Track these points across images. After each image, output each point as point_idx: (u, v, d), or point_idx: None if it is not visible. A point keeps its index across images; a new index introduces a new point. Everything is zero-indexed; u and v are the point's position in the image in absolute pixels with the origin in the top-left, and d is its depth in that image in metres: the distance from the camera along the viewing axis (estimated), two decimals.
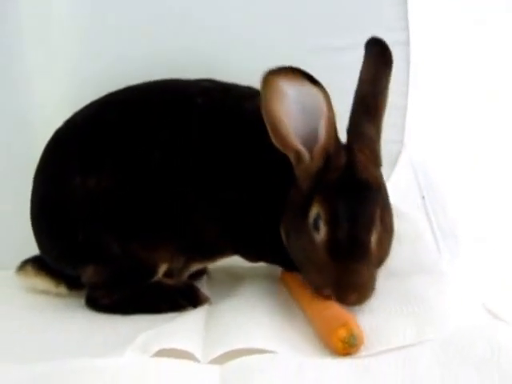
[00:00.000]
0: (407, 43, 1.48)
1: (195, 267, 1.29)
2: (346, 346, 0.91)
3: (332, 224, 1.01)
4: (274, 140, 1.06)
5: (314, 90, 1.00)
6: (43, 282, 1.29)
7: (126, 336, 1.01)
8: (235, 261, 1.30)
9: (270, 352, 0.92)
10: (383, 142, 1.19)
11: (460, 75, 1.53)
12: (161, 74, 1.27)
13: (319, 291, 1.03)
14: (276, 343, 0.95)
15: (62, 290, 1.28)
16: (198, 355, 0.92)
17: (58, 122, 1.27)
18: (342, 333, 0.91)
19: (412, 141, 1.26)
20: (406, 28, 1.48)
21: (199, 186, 1.16)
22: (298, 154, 1.08)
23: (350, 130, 1.12)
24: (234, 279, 1.30)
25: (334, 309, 1.00)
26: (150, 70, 1.35)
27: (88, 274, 1.20)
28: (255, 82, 1.04)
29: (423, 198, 1.46)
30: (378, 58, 1.16)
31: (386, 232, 1.07)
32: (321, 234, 1.02)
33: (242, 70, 1.23)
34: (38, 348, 1.04)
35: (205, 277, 1.39)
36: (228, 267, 1.39)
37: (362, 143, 1.10)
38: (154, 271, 1.20)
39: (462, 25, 1.52)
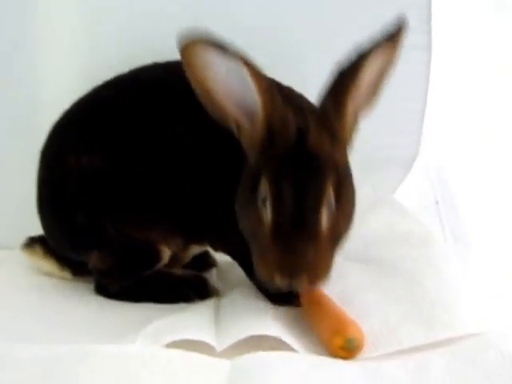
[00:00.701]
0: (428, 48, 1.47)
1: (196, 249, 1.28)
2: (346, 351, 0.92)
3: (277, 203, 0.94)
4: (209, 112, 1.00)
5: (234, 61, 0.94)
6: (48, 265, 1.30)
7: (137, 323, 1.02)
8: None
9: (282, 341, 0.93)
10: (400, 146, 1.20)
11: (479, 81, 1.52)
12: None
13: (271, 282, 0.93)
14: (287, 333, 0.96)
15: (66, 274, 1.29)
16: (213, 343, 0.93)
17: (63, 107, 1.27)
18: (338, 341, 0.92)
19: (428, 146, 1.26)
20: (429, 32, 1.46)
21: (188, 164, 1.15)
22: (237, 123, 1.01)
23: (311, 107, 1.07)
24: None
25: (330, 313, 1.01)
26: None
27: (93, 260, 1.21)
28: None
29: (437, 203, 1.46)
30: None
31: (343, 211, 0.98)
32: (268, 214, 0.95)
33: None
34: (47, 330, 1.04)
35: (214, 269, 1.39)
36: None
37: (320, 119, 0.99)
38: (156, 255, 1.19)
39: (482, 30, 1.51)
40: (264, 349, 0.92)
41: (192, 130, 1.15)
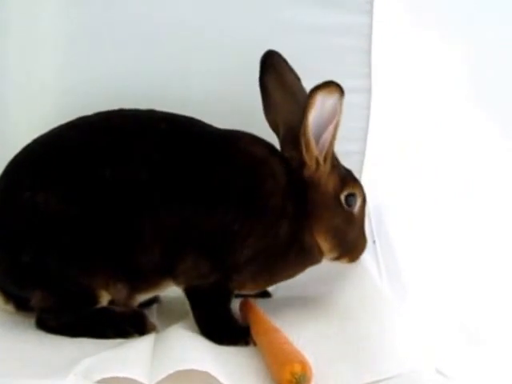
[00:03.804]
0: (369, 90, 1.52)
1: (141, 298, 1.28)
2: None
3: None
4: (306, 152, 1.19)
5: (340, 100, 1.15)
6: None
7: (71, 358, 1.01)
8: None
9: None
10: None
11: (419, 123, 1.57)
12: (146, 93, 1.29)
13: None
14: (217, 367, 0.97)
15: (10, 308, 1.27)
16: (143, 380, 0.93)
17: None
18: (286, 376, 0.94)
19: (366, 186, 1.29)
20: (369, 75, 1.51)
21: (142, 209, 1.16)
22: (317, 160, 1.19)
23: None
24: (186, 307, 1.28)
25: (284, 345, 1.04)
26: (135, 87, 1.40)
27: (36, 298, 1.20)
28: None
29: (374, 242, 1.49)
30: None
31: None
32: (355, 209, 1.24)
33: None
34: None
35: (155, 305, 1.39)
36: (179, 297, 1.38)
37: None
38: (94, 299, 1.20)
39: (423, 73, 1.56)
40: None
41: (147, 176, 1.16)
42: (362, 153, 1.53)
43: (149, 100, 1.27)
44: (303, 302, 1.28)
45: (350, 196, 1.23)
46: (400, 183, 1.56)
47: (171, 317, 1.29)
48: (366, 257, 1.32)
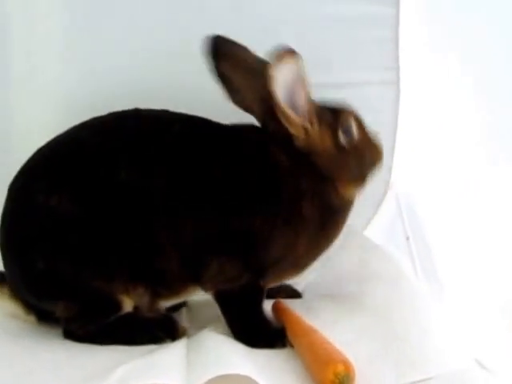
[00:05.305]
0: (397, 83, 1.50)
1: (166, 304, 1.26)
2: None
3: None
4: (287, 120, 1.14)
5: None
6: (15, 307, 1.26)
7: (104, 367, 1.00)
8: None
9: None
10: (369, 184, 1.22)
11: (449, 116, 1.55)
12: (146, 98, 1.25)
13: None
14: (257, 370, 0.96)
15: (32, 319, 1.26)
16: None
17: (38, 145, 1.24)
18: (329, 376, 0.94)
19: (398, 181, 1.28)
20: (397, 68, 1.49)
21: (163, 213, 1.14)
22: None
23: None
24: (214, 309, 1.26)
25: (325, 344, 1.03)
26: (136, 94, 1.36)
27: (60, 309, 1.19)
28: None
29: (408, 238, 1.47)
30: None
31: None
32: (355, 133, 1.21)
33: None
34: (12, 375, 1.03)
35: (184, 309, 1.38)
36: (207, 300, 1.37)
37: None
38: (117, 305, 1.18)
39: (452, 65, 1.55)
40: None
41: (165, 179, 1.15)
42: (392, 148, 1.52)
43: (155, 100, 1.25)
44: (334, 302, 1.27)
45: (346, 130, 1.20)
46: (432, 178, 1.54)
47: (201, 320, 1.28)
48: (400, 254, 1.30)
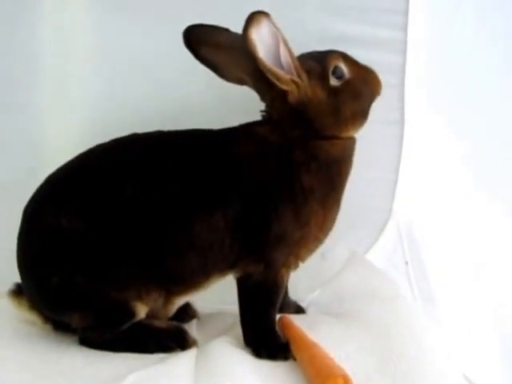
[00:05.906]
0: (401, 122, 1.53)
1: (180, 301, 1.31)
2: None
3: None
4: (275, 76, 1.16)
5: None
6: (33, 317, 1.31)
7: (116, 374, 1.06)
8: (224, 303, 1.35)
9: None
10: (371, 209, 1.26)
11: (451, 147, 1.58)
12: (168, 124, 1.31)
13: None
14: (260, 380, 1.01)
15: (49, 327, 1.31)
16: None
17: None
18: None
19: (400, 211, 1.31)
20: (402, 108, 1.52)
21: (177, 219, 1.20)
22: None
23: None
24: (223, 322, 1.34)
25: (326, 359, 1.07)
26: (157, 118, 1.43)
27: (75, 320, 1.24)
28: None
29: (406, 263, 1.51)
30: None
31: None
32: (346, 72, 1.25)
33: None
34: (29, 379, 1.08)
35: (195, 320, 1.43)
36: (217, 312, 1.44)
37: None
38: (131, 312, 1.22)
39: (454, 108, 1.58)
40: None
41: (167, 190, 1.21)
42: (395, 180, 1.54)
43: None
44: (335, 319, 1.31)
45: (335, 72, 1.23)
46: (431, 208, 1.57)
47: (210, 332, 1.32)
48: (399, 277, 1.33)
